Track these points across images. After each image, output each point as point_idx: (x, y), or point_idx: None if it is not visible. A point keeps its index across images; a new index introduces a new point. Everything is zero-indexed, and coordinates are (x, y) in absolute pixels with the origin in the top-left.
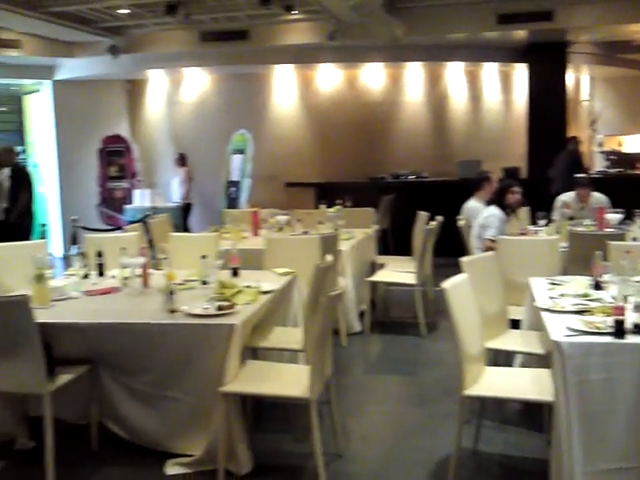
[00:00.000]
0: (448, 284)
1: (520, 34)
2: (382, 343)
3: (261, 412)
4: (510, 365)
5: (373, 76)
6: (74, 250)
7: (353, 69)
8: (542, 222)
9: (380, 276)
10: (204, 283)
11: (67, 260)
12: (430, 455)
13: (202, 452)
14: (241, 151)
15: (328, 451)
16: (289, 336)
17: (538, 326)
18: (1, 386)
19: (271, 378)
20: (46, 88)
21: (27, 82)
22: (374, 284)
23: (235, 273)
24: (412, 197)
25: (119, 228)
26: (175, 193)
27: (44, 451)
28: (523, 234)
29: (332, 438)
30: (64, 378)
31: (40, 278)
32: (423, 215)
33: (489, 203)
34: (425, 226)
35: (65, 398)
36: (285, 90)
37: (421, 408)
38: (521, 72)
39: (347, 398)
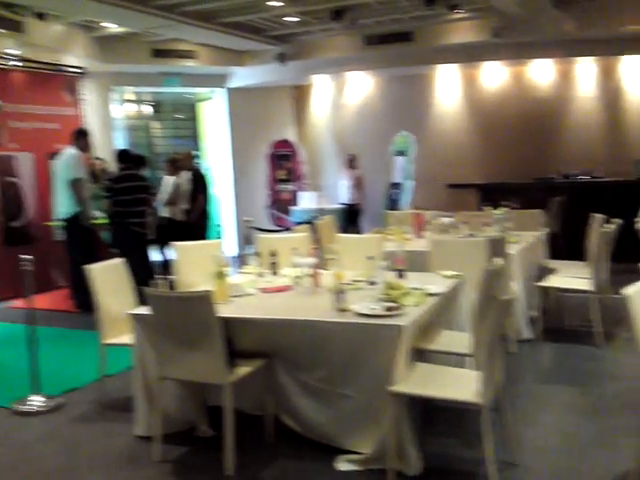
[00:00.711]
0: (630, 291)
1: None
2: (554, 351)
3: (429, 415)
4: None
5: (541, 72)
6: (249, 249)
7: (519, 66)
8: None
9: (552, 281)
10: (371, 284)
11: (241, 259)
12: (607, 470)
13: (372, 450)
14: (403, 152)
15: (499, 459)
16: (456, 340)
17: None
18: (186, 375)
19: (440, 381)
20: (219, 96)
21: (201, 90)
22: (545, 289)
23: (401, 275)
24: (584, 198)
25: (287, 229)
26: (342, 195)
27: (223, 439)
28: None
29: (503, 446)
30: (243, 370)
31: (221, 275)
32: (599, 217)
33: None
34: (601, 229)
35: (243, 389)
36: (448, 90)
37: (597, 421)
38: None
39: (518, 406)
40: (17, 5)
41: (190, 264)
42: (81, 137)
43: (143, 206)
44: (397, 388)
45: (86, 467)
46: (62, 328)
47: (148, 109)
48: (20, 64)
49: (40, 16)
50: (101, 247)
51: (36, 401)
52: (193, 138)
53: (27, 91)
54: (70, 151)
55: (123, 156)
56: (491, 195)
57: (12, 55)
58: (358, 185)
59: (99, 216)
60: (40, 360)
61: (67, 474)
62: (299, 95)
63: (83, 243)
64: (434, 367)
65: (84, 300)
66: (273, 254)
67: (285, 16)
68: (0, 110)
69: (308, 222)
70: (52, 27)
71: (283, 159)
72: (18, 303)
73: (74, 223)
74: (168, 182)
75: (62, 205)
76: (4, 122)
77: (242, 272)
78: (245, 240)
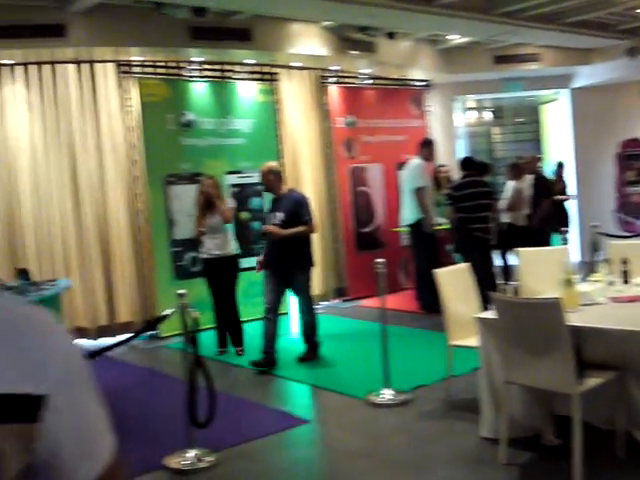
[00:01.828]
0: None
1: None
2: None
3: None
4: None
5: None
6: (598, 256)
7: None
8: None
9: None
10: None
11: (587, 265)
12: None
13: None
14: None
15: None
16: None
17: None
18: (532, 381)
19: None
20: (563, 97)
21: (544, 93)
22: None
23: None
24: None
25: (638, 235)
26: None
27: (571, 450)
28: None
29: None
30: (593, 381)
31: (569, 282)
32: None
33: None
34: None
35: (592, 401)
36: None
37: None
38: None
39: None
40: (370, 28)
41: (534, 270)
42: (426, 147)
43: (486, 212)
44: None
45: (433, 462)
46: (410, 327)
47: (488, 115)
48: (371, 82)
49: (390, 35)
50: (443, 252)
51: (387, 394)
52: (535, 141)
53: (377, 107)
54: (415, 161)
55: (466, 163)
56: None
57: (365, 74)
58: None
59: (442, 222)
60: (390, 356)
61: (415, 466)
62: None
63: (427, 248)
64: None
65: (429, 302)
66: (624, 261)
67: (637, 8)
68: (354, 126)
69: None
70: (400, 44)
71: (633, 159)
72: (370, 302)
73: (417, 229)
74: (509, 187)
75: (407, 212)
76: (357, 137)
77: (590, 280)
78: (592, 246)
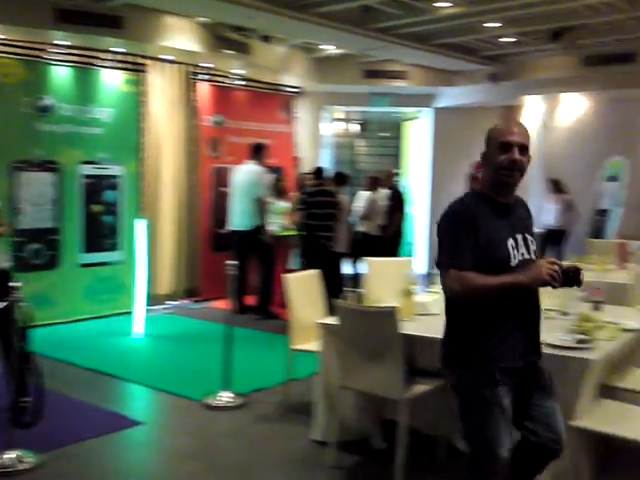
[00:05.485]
0: None
1: None
2: None
3: (609, 454)
4: None
5: None
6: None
7: None
8: None
9: None
10: (564, 314)
11: (429, 278)
12: None
13: None
14: (615, 178)
15: None
16: None
17: None
18: (365, 387)
19: (628, 420)
20: (425, 115)
21: (409, 110)
22: None
23: (597, 307)
24: None
25: None
26: (547, 219)
27: (395, 454)
28: None
29: None
30: (420, 388)
31: (407, 293)
32: None
33: None
34: None
35: (420, 408)
36: None
37: None
38: None
39: None
40: (246, 29)
41: (379, 279)
42: (259, 151)
43: (332, 221)
44: (579, 423)
45: (262, 465)
46: (257, 330)
47: (355, 127)
48: (243, 83)
49: (266, 39)
50: (282, 259)
51: (225, 397)
52: (395, 157)
53: (246, 108)
54: (254, 167)
55: (319, 172)
56: None
57: (237, 75)
58: (568, 208)
59: (281, 230)
60: (233, 359)
61: (244, 469)
62: (508, 116)
63: (263, 255)
64: (622, 405)
65: (264, 306)
66: None
67: (501, 37)
68: (221, 125)
69: None
70: (275, 49)
71: None
72: (221, 304)
73: (254, 236)
74: (363, 197)
75: (243, 218)
76: (224, 136)
77: (429, 291)
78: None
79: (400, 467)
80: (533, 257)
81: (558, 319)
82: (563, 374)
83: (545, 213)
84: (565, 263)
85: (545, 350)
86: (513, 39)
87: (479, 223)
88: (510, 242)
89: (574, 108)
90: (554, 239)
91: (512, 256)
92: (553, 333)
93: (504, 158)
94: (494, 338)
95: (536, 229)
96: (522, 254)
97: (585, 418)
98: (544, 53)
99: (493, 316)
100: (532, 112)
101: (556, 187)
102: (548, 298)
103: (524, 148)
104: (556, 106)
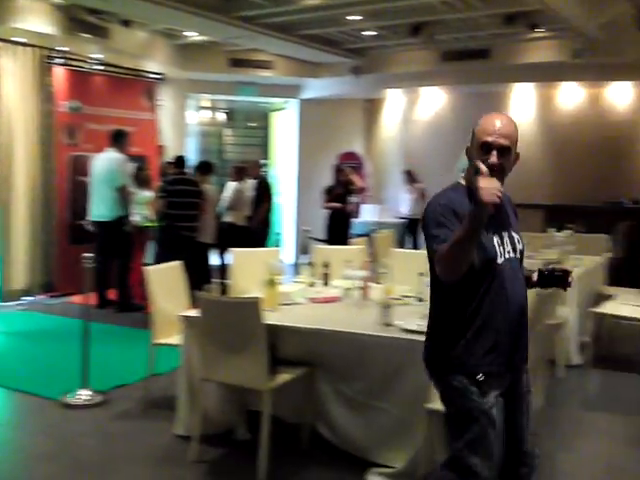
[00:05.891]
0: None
1: None
2: (603, 379)
3: None
4: None
5: (619, 94)
6: (304, 259)
7: (597, 87)
8: None
9: (608, 308)
10: (420, 300)
11: (297, 268)
12: None
13: (404, 465)
14: None
15: None
16: None
17: None
18: (228, 378)
19: None
20: (292, 106)
21: (275, 100)
22: (600, 316)
23: None
24: None
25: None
26: (404, 208)
27: (259, 444)
28: None
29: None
30: (284, 378)
31: (272, 283)
32: None
33: None
34: None
35: (283, 397)
36: (522, 109)
37: None
38: None
39: (558, 431)
40: (104, 12)
41: (245, 270)
42: (119, 138)
43: (194, 210)
44: (433, 405)
45: (123, 462)
46: (117, 325)
47: (222, 117)
48: (102, 68)
49: (125, 23)
50: (140, 250)
51: (84, 395)
52: (263, 147)
53: (106, 94)
54: (115, 155)
55: (180, 161)
56: (557, 217)
57: (95, 59)
58: (421, 198)
59: (144, 220)
60: (92, 355)
61: (103, 468)
62: (370, 108)
63: (123, 246)
64: None
65: (123, 300)
66: (326, 265)
67: (363, 30)
68: (79, 111)
69: (366, 235)
70: (135, 34)
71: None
72: (79, 299)
73: (116, 226)
74: (230, 187)
75: (103, 208)
76: (81, 123)
77: (295, 281)
78: (302, 250)
79: (264, 456)
80: (518, 256)
81: (414, 305)
82: (417, 358)
83: (402, 203)
84: (555, 265)
85: (400, 335)
86: (374, 32)
87: (462, 216)
88: (495, 239)
89: (433, 102)
90: (411, 228)
91: (498, 253)
92: (410, 319)
93: (482, 160)
94: (478, 338)
95: (394, 219)
96: (508, 252)
97: (438, 400)
98: (404, 47)
99: (476, 314)
100: (393, 105)
101: (410, 178)
102: (406, 284)
103: (505, 149)
104: (416, 100)
